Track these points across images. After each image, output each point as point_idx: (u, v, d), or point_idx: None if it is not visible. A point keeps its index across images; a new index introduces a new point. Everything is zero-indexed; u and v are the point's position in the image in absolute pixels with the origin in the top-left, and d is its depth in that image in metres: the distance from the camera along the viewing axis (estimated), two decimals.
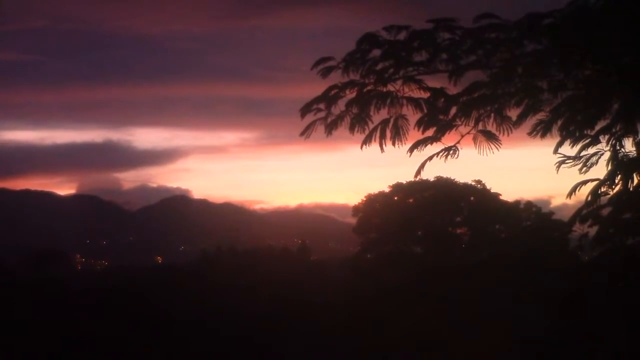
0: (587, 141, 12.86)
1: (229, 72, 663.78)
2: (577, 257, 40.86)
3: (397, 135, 13.28)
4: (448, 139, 13.09)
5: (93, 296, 53.82)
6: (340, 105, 13.72)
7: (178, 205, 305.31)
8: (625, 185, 13.24)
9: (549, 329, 36.07)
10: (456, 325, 41.67)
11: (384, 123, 13.38)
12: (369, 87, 13.61)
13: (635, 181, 13.11)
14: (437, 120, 13.19)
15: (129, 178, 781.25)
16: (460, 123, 12.99)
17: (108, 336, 45.10)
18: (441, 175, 60.39)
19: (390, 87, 13.52)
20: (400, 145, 13.27)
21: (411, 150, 13.21)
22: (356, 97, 13.62)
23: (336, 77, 13.80)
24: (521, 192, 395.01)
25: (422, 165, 13.34)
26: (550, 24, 12.85)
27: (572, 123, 12.59)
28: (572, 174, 13.27)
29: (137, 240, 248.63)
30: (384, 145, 13.37)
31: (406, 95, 13.43)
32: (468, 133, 12.92)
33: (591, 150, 13.02)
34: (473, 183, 61.08)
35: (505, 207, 60.79)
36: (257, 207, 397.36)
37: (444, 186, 60.00)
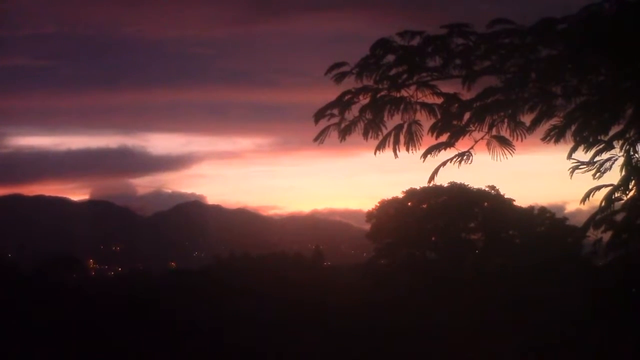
0: (600, 146, 12.85)
1: (243, 77, 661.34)
2: (590, 263, 40.79)
3: (411, 140, 13.31)
4: (462, 145, 13.12)
5: (107, 302, 53.94)
6: (354, 111, 13.76)
7: (192, 211, 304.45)
8: (639, 190, 13.22)
9: (565, 335, 35.99)
10: (469, 332, 41.59)
11: (398, 128, 13.41)
12: (382, 93, 13.63)
13: None
14: (450, 126, 13.20)
15: (143, 184, 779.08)
16: (473, 128, 13.00)
17: (123, 342, 45.22)
18: (455, 180, 60.49)
19: (403, 93, 13.54)
20: (414, 151, 13.30)
21: (425, 155, 13.23)
22: (370, 102, 13.65)
23: (350, 83, 13.84)
24: (535, 197, 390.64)
25: (436, 171, 13.35)
26: (564, 29, 12.86)
27: (586, 128, 12.58)
28: (586, 180, 13.25)
29: (150, 246, 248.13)
30: (397, 151, 13.40)
31: (420, 100, 13.46)
32: (482, 138, 12.93)
33: (605, 155, 12.99)
34: (487, 189, 61.10)
35: (519, 212, 60.76)
36: (271, 212, 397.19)
37: (458, 192, 60.01)
